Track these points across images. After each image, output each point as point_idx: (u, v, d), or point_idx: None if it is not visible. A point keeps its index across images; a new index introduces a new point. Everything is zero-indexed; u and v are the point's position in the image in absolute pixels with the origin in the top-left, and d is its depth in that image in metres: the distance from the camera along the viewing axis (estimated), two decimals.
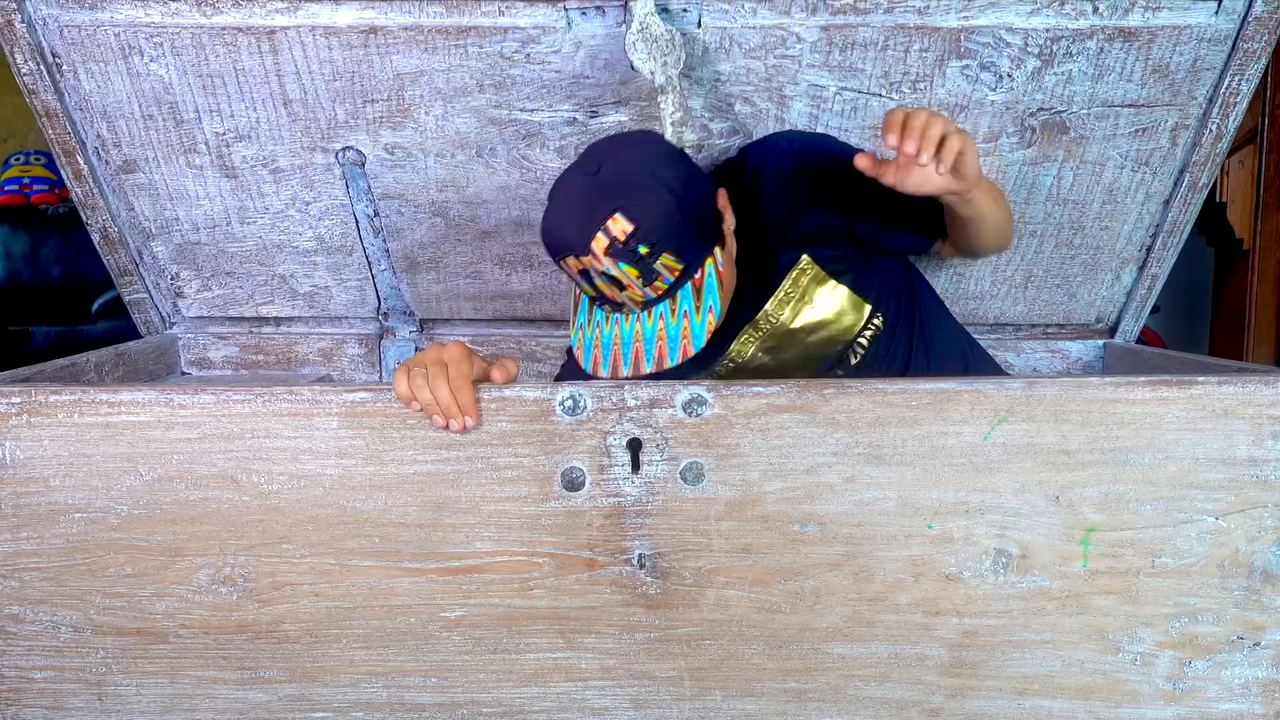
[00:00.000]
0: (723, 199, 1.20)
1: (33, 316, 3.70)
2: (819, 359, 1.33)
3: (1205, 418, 0.99)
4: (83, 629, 1.05)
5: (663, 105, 1.29)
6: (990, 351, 1.51)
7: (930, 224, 1.31)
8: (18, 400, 1.01)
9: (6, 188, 3.87)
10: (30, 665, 1.06)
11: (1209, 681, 1.04)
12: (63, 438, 1.01)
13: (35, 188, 3.89)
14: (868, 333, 1.32)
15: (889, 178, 1.10)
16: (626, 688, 1.05)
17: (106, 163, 1.50)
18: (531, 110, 1.43)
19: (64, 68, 1.39)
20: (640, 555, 1.02)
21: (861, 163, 1.10)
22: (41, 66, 1.38)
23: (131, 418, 1.01)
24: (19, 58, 1.37)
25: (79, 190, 1.52)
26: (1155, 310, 1.89)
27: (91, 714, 1.07)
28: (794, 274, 1.29)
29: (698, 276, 1.13)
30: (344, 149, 1.48)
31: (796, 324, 1.30)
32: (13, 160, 3.94)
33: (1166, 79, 1.40)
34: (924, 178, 1.09)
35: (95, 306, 3.68)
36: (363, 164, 1.49)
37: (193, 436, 1.01)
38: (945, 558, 1.01)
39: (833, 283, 1.30)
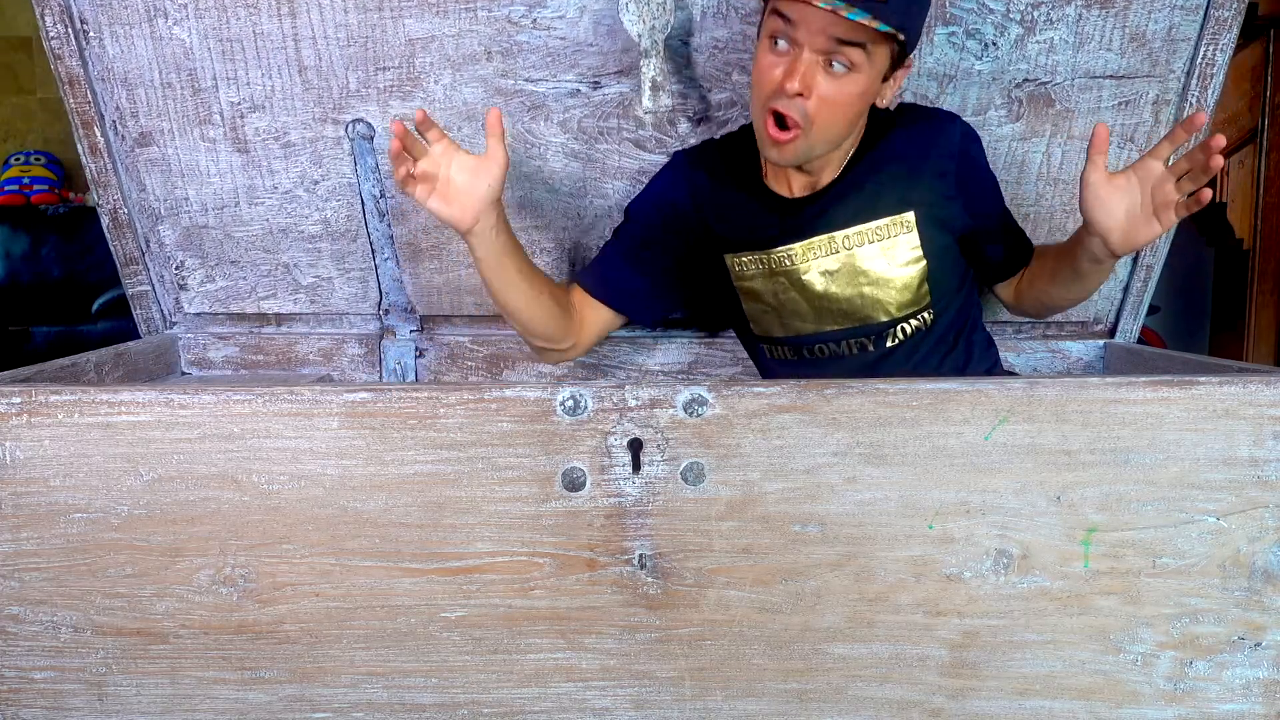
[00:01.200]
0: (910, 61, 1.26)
1: (33, 316, 3.70)
2: (860, 320, 1.33)
3: (1206, 418, 0.99)
4: (83, 629, 1.05)
5: (644, 67, 1.32)
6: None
7: (1016, 261, 1.40)
8: (18, 400, 1.01)
9: (6, 188, 3.87)
10: (30, 665, 1.06)
11: (1210, 682, 1.03)
12: (63, 438, 1.01)
13: (35, 188, 3.89)
14: (913, 322, 1.32)
15: (1100, 172, 1.13)
16: (627, 688, 1.05)
17: (123, 137, 1.53)
18: (536, 80, 1.46)
19: (90, 33, 1.43)
20: (641, 555, 1.02)
21: (1102, 130, 1.13)
22: (70, 31, 1.42)
23: (131, 418, 1.01)
24: (49, 20, 1.42)
25: (93, 166, 1.54)
26: (1155, 310, 1.88)
27: (91, 714, 1.07)
28: (890, 220, 1.31)
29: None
30: (354, 121, 1.50)
31: (864, 265, 1.31)
32: (13, 160, 3.94)
33: (1144, 48, 1.43)
34: (1125, 200, 1.13)
35: (95, 306, 3.68)
36: (371, 138, 1.51)
37: (193, 436, 1.01)
38: (946, 558, 1.01)
39: (920, 255, 1.31)
